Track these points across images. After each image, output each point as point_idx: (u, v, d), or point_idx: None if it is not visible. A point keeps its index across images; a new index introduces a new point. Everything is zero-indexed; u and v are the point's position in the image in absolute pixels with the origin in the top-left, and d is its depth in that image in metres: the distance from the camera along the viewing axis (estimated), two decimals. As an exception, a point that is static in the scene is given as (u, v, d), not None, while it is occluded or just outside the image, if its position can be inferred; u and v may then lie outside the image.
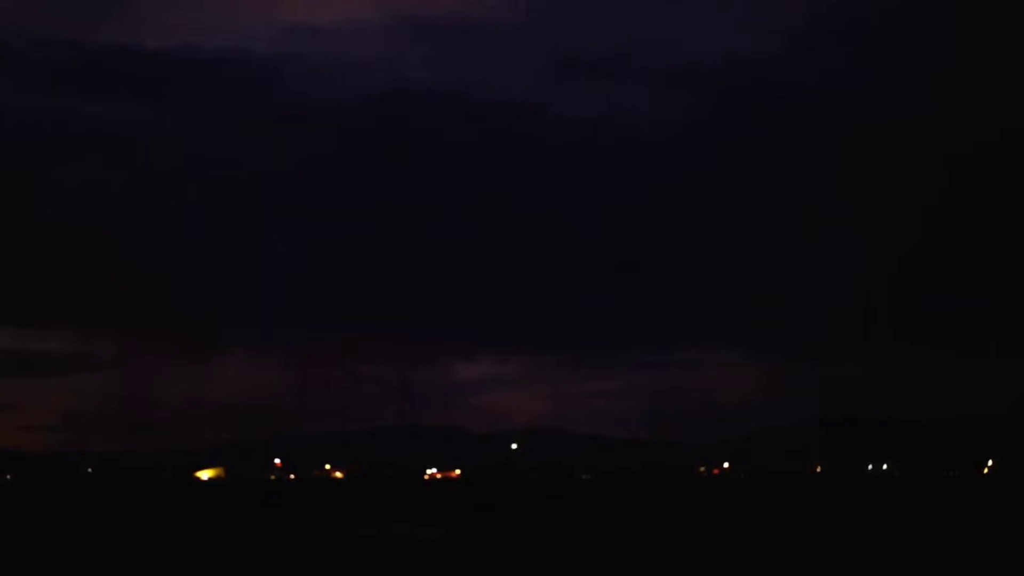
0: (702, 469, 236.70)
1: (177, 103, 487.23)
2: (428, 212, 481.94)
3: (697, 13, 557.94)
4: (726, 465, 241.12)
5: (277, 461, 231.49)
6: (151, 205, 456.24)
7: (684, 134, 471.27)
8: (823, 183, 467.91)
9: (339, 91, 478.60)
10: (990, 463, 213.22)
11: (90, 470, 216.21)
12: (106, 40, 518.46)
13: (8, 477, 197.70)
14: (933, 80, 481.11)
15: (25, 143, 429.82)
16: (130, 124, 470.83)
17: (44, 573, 42.92)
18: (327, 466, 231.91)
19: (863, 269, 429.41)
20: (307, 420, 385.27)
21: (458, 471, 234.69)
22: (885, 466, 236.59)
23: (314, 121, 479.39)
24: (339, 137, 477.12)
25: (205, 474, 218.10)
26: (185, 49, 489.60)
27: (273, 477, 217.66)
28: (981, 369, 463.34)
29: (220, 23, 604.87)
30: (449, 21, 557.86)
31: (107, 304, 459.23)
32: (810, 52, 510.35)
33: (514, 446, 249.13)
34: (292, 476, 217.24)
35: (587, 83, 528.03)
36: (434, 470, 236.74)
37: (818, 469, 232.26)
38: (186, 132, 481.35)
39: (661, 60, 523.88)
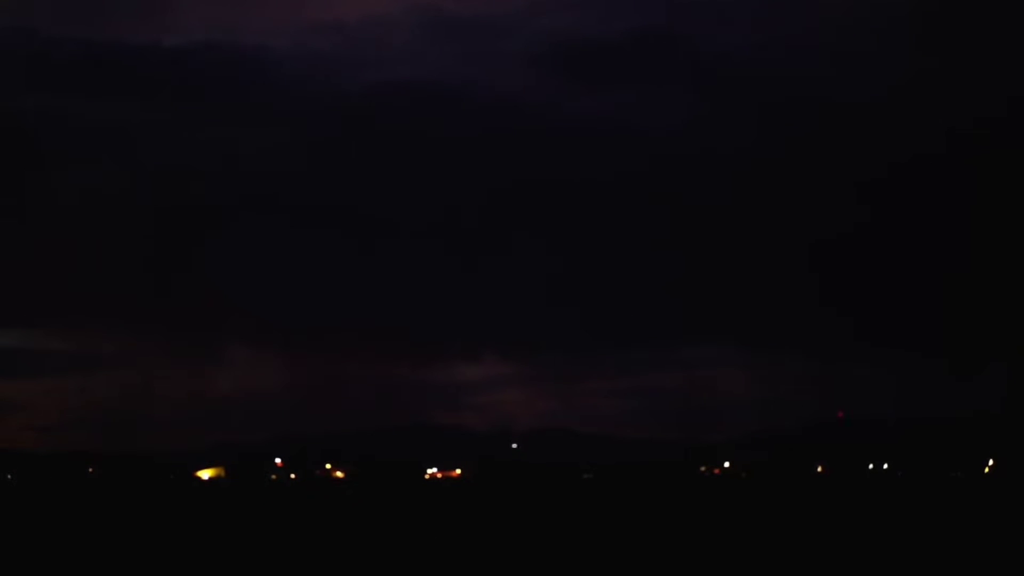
0: (703, 468, 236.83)
1: (195, 100, 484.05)
2: (430, 211, 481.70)
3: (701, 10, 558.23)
4: (727, 464, 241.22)
5: (278, 461, 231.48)
6: (157, 205, 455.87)
7: (686, 132, 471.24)
8: (823, 181, 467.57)
9: (347, 89, 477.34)
10: (990, 463, 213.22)
11: (91, 470, 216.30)
12: (122, 38, 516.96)
13: (9, 477, 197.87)
14: (931, 74, 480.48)
15: (29, 143, 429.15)
16: (139, 123, 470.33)
17: (46, 573, 42.94)
18: (328, 466, 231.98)
19: (862, 268, 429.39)
20: (308, 420, 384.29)
21: (459, 471, 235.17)
22: (886, 466, 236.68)
23: (319, 119, 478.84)
24: (343, 136, 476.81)
25: (206, 474, 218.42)
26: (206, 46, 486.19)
27: (274, 477, 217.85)
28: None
29: (239, 20, 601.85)
30: (459, 17, 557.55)
31: (108, 304, 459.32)
32: (811, 49, 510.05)
33: (514, 446, 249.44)
34: (293, 476, 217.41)
35: (591, 82, 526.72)
36: (434, 469, 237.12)
37: (820, 469, 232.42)
38: (192, 130, 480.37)
39: (663, 58, 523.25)
